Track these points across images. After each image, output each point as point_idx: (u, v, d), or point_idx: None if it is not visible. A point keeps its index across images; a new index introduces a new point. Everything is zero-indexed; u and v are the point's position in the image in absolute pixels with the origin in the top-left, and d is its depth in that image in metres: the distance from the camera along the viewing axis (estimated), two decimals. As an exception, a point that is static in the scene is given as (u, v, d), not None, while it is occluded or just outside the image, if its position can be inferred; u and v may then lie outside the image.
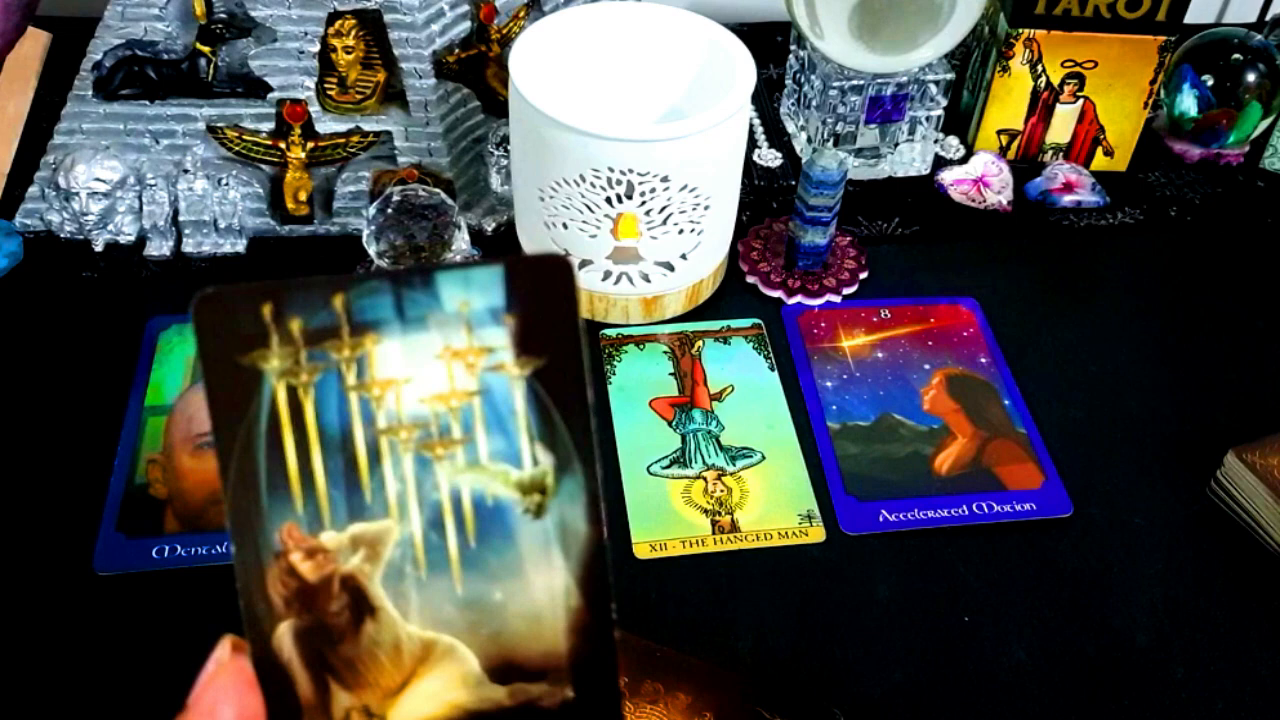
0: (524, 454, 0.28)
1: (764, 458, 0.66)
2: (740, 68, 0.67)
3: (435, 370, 0.28)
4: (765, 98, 0.93)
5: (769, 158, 0.87)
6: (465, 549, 0.28)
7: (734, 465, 0.65)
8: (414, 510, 0.28)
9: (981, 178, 0.85)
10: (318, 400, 0.28)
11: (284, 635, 0.28)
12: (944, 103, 0.84)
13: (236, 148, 0.76)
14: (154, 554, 0.59)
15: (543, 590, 0.28)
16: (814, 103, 0.84)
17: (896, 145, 0.85)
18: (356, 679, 0.28)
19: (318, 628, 0.28)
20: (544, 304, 0.28)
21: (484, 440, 0.28)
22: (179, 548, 0.59)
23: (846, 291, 0.76)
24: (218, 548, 0.59)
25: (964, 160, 0.87)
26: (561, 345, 0.28)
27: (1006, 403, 0.70)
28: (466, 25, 0.77)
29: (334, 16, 0.73)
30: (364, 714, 0.28)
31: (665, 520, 0.62)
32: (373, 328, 0.28)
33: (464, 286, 0.28)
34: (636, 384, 0.70)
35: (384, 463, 0.28)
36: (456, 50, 0.77)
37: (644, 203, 0.66)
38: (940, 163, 0.87)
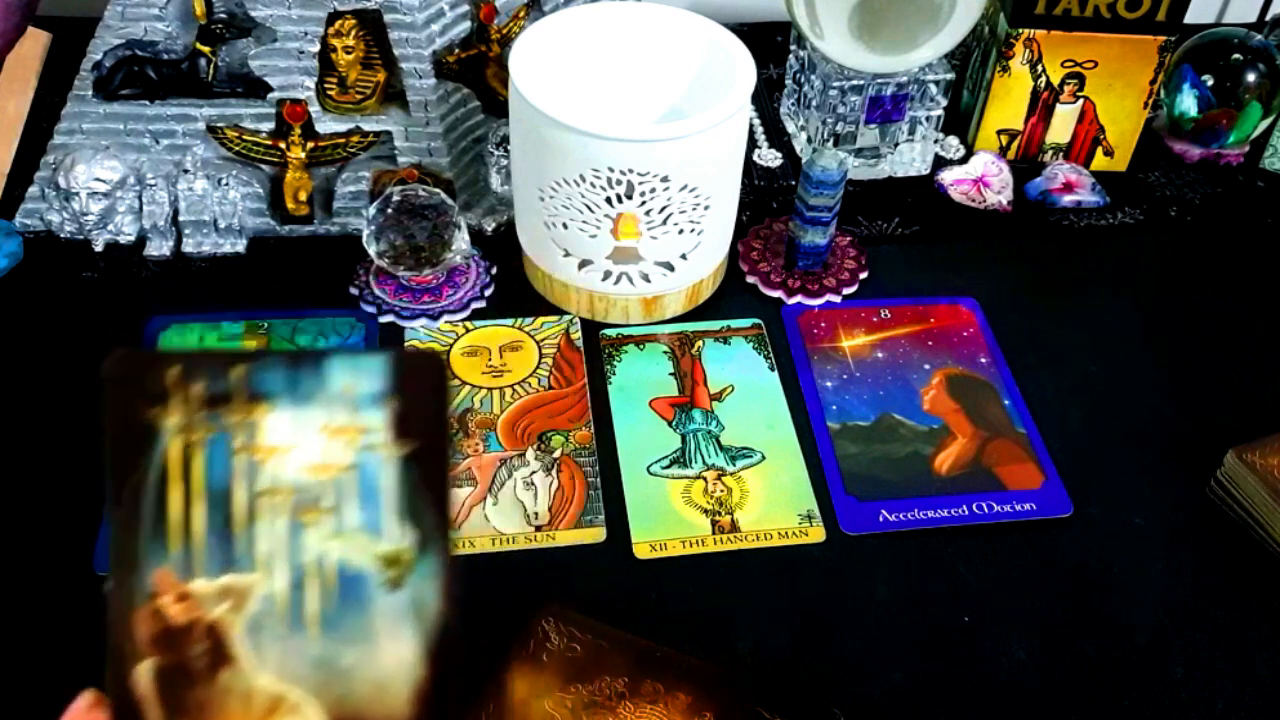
0: (388, 528, 0.30)
1: (764, 458, 0.66)
2: (740, 68, 0.67)
3: (317, 443, 0.31)
4: (765, 98, 0.93)
5: (769, 158, 0.87)
6: (324, 610, 0.30)
7: (734, 465, 0.65)
8: (281, 568, 0.30)
9: (981, 178, 0.85)
10: (207, 458, 0.31)
11: (144, 672, 0.30)
12: (944, 103, 0.84)
13: (236, 148, 0.76)
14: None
15: (392, 658, 0.30)
16: (814, 103, 0.84)
17: (896, 145, 0.85)
18: (207, 718, 0.30)
19: (177, 669, 0.30)
20: (420, 395, 0.31)
21: (352, 511, 0.30)
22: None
23: (846, 291, 0.76)
24: (217, 547, 0.59)
25: (964, 160, 0.87)
26: (432, 433, 0.31)
27: (1006, 403, 0.70)
28: (466, 25, 0.77)
29: (334, 16, 0.73)
30: None
31: (665, 520, 0.62)
32: (266, 399, 0.31)
33: (352, 371, 0.31)
34: (636, 384, 0.70)
35: (259, 521, 0.30)
36: (456, 50, 0.77)
37: (644, 203, 0.66)
38: (940, 163, 0.87)
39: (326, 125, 0.75)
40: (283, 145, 0.76)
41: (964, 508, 0.64)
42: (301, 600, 0.30)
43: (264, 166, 0.77)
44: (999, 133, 0.88)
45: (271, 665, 0.29)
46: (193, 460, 0.30)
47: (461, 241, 0.71)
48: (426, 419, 0.31)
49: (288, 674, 0.29)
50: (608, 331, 0.73)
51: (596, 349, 0.72)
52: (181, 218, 0.75)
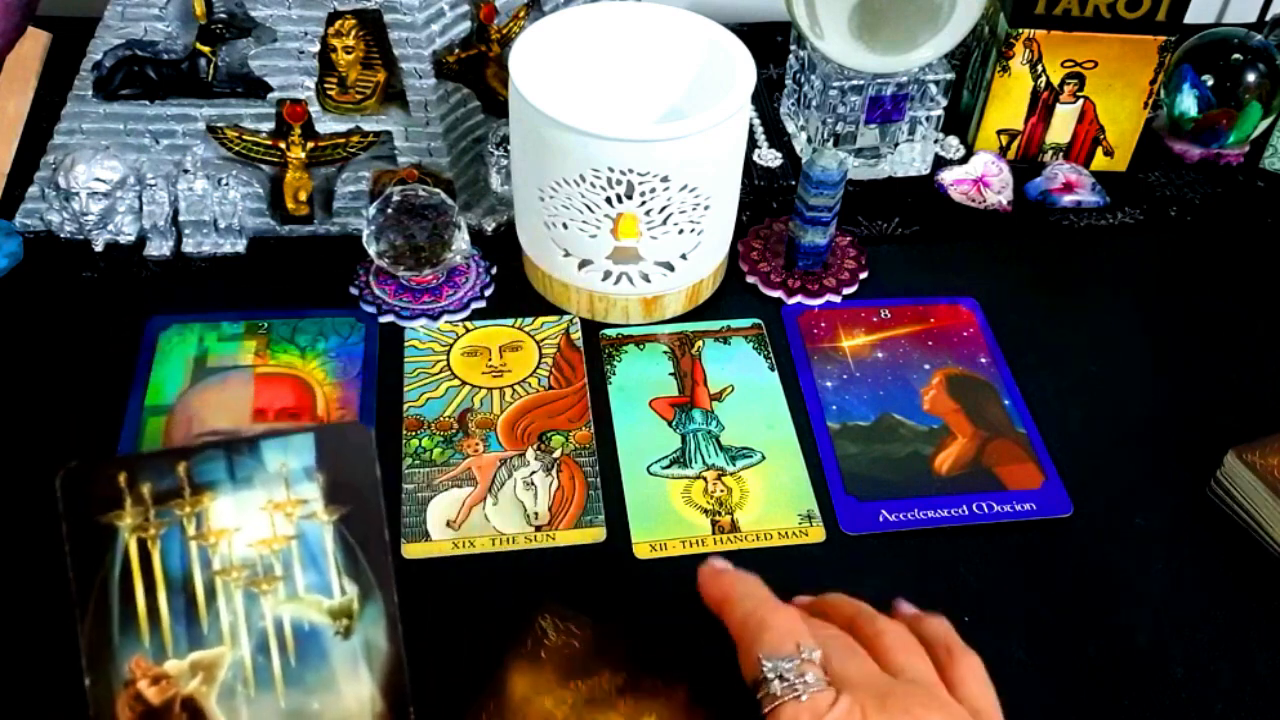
0: (334, 585, 0.34)
1: (764, 458, 0.66)
2: (740, 68, 0.67)
3: (260, 520, 0.34)
4: (765, 98, 0.93)
5: (769, 158, 0.87)
6: (287, 668, 0.33)
7: (734, 465, 0.65)
8: (244, 637, 0.33)
9: (981, 178, 0.85)
10: (163, 549, 0.33)
11: None
12: (944, 103, 0.84)
13: (236, 148, 0.76)
14: (154, 554, 0.59)
15: (353, 699, 0.34)
16: (814, 103, 0.84)
17: (896, 145, 0.85)
18: None
19: None
20: (348, 463, 0.34)
21: (300, 576, 0.34)
22: (179, 547, 0.59)
23: (846, 291, 0.76)
24: (217, 547, 0.59)
25: (964, 160, 0.87)
26: (362, 495, 0.35)
27: (1006, 403, 0.70)
28: (466, 25, 0.77)
29: (334, 16, 0.73)
30: None
31: (665, 520, 0.62)
32: (209, 488, 0.34)
33: (283, 451, 0.34)
34: (636, 384, 0.70)
35: (218, 599, 0.33)
36: (456, 50, 0.77)
37: (644, 203, 0.66)
38: (940, 163, 0.87)
39: (326, 125, 0.75)
40: (283, 145, 0.76)
41: (964, 508, 0.64)
42: (267, 662, 0.33)
43: (264, 166, 0.77)
44: (999, 133, 0.88)
45: (249, 718, 0.32)
46: (151, 553, 0.34)
47: (461, 241, 0.71)
48: (357, 482, 0.35)
49: None
50: (608, 331, 0.73)
51: (596, 349, 0.72)
52: (181, 218, 0.75)
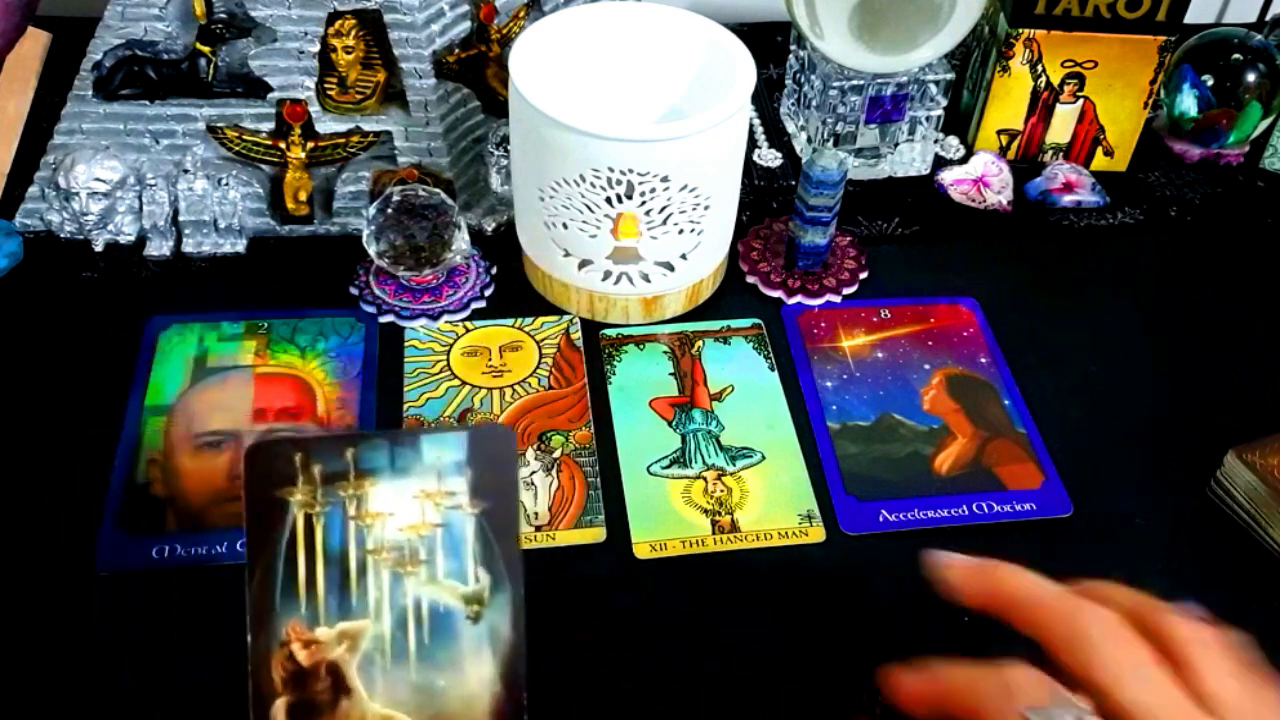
0: (470, 573, 0.37)
1: (764, 458, 0.66)
2: (740, 68, 0.67)
3: (412, 507, 0.37)
4: (765, 98, 0.93)
5: (769, 158, 0.87)
6: (421, 645, 0.36)
7: (734, 465, 0.65)
8: (386, 613, 0.36)
9: (981, 178, 0.85)
10: (326, 526, 0.37)
11: (280, 709, 0.35)
12: (944, 103, 0.84)
13: (236, 148, 0.76)
14: (154, 553, 0.59)
15: (475, 680, 0.37)
16: (814, 103, 0.84)
17: (896, 145, 0.85)
18: None
19: (306, 704, 0.35)
20: (492, 462, 0.38)
21: (441, 561, 0.37)
22: (179, 547, 0.59)
23: (846, 291, 0.76)
24: (217, 547, 0.59)
25: (964, 160, 0.87)
26: (503, 492, 0.38)
27: (1006, 403, 0.70)
28: (466, 25, 0.77)
29: (334, 16, 0.73)
30: None
31: (665, 520, 0.62)
32: (371, 474, 0.37)
33: (439, 446, 0.38)
34: (636, 384, 0.70)
35: (368, 576, 0.37)
36: (456, 50, 0.77)
37: (644, 203, 0.66)
38: (940, 163, 0.87)
39: (326, 125, 0.75)
40: (283, 145, 0.76)
41: (964, 508, 0.64)
42: (404, 638, 0.36)
43: (264, 166, 0.77)
44: (999, 133, 0.88)
45: (379, 694, 0.36)
46: (315, 528, 0.37)
47: (461, 241, 0.71)
48: (499, 480, 0.38)
49: (392, 700, 0.36)
50: (608, 331, 0.73)
51: (596, 349, 0.72)
52: (181, 218, 0.75)
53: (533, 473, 0.64)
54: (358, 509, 0.37)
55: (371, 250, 0.70)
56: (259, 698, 0.36)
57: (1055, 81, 0.84)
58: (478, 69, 0.79)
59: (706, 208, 0.68)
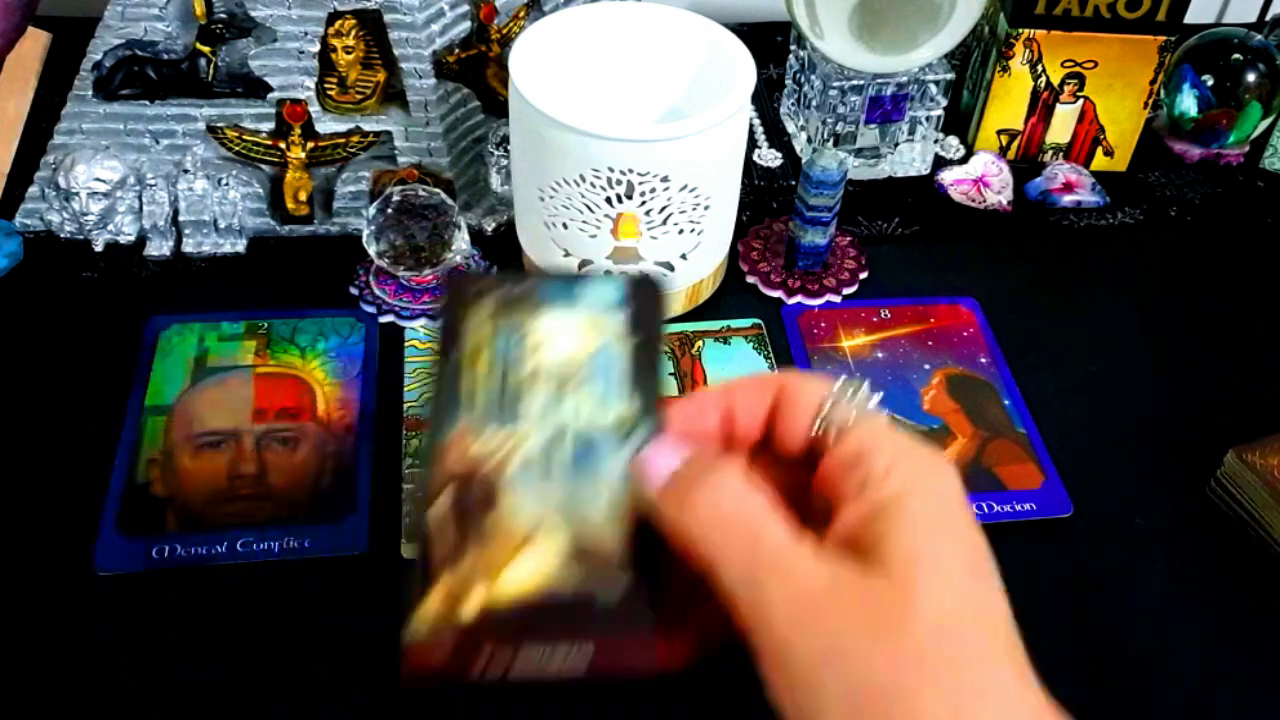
0: (621, 398, 0.39)
1: (764, 458, 0.66)
2: (740, 68, 0.67)
3: (577, 333, 0.40)
4: (765, 98, 0.93)
5: (769, 158, 0.87)
6: (573, 459, 0.38)
7: (734, 465, 0.65)
8: (545, 426, 0.38)
9: (981, 178, 0.85)
10: (500, 342, 0.40)
11: (445, 497, 0.37)
12: (944, 103, 0.84)
13: (236, 148, 0.76)
14: (154, 553, 0.59)
15: (616, 503, 0.37)
16: (814, 103, 0.84)
17: (896, 145, 0.85)
18: (482, 542, 0.36)
19: (467, 498, 0.37)
20: (645, 304, 0.42)
21: (599, 384, 0.39)
22: (179, 547, 0.59)
23: (846, 291, 0.76)
24: (217, 547, 0.59)
25: (964, 160, 0.87)
26: (651, 331, 0.41)
27: (1006, 403, 0.70)
28: (466, 25, 0.77)
29: (334, 16, 0.73)
30: (480, 572, 0.36)
31: (665, 520, 0.62)
32: (545, 303, 0.41)
33: (603, 286, 0.42)
34: (636, 384, 0.70)
35: (533, 390, 0.39)
36: (456, 50, 0.77)
37: (644, 203, 0.66)
38: (940, 163, 0.87)
39: (326, 125, 0.75)
40: (283, 145, 0.76)
41: (964, 508, 0.64)
42: (558, 451, 0.38)
43: (264, 166, 0.77)
44: (999, 133, 0.88)
45: (531, 500, 0.37)
46: (494, 342, 0.40)
47: (461, 241, 0.71)
48: (649, 321, 0.41)
49: (541, 507, 0.37)
50: (608, 331, 0.73)
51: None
52: (181, 218, 0.75)
53: (533, 472, 0.64)
54: (529, 332, 0.41)
55: (371, 250, 0.70)
56: (429, 486, 0.38)
57: (1055, 81, 0.84)
58: (478, 69, 0.79)
59: (706, 208, 0.68)
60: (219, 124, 0.75)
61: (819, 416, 0.38)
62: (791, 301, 0.75)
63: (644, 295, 0.42)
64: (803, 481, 0.38)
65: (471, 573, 0.36)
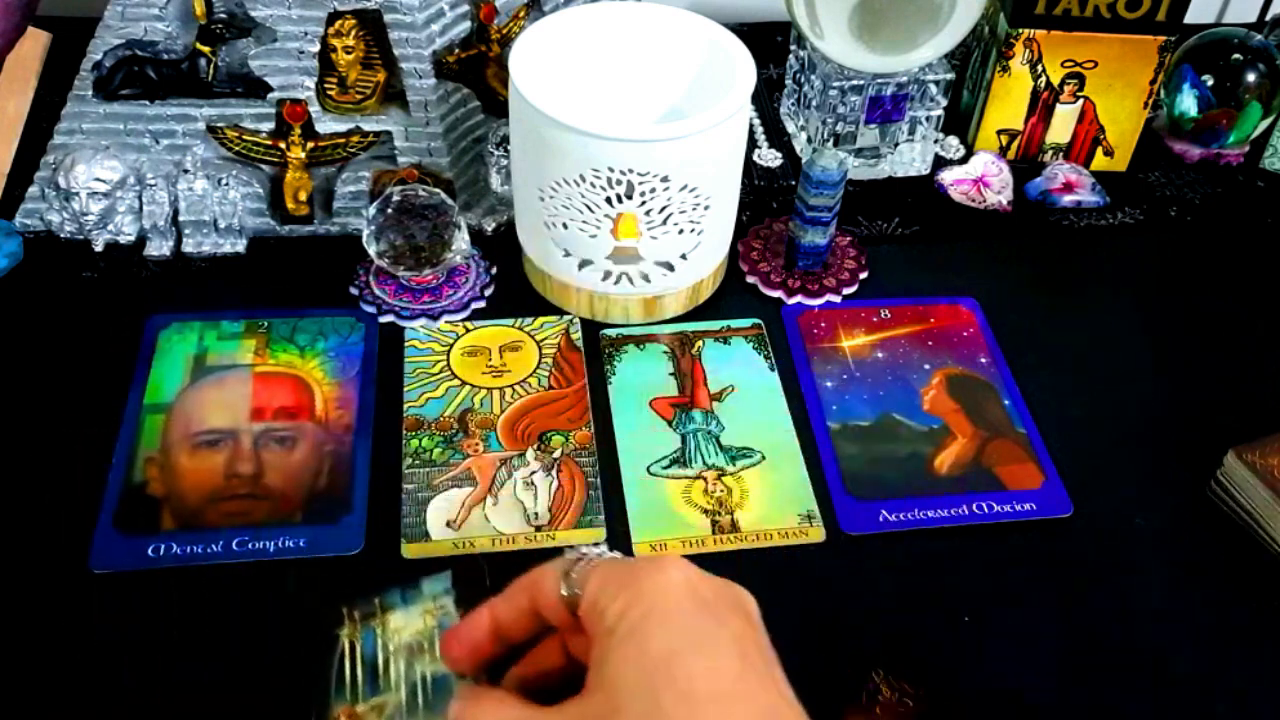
0: None
1: (764, 458, 0.66)
2: (740, 68, 0.67)
3: (418, 621, 0.55)
4: (765, 98, 0.93)
5: (769, 158, 0.87)
6: (427, 702, 0.52)
7: (734, 465, 0.65)
8: (403, 686, 0.53)
9: (981, 178, 0.85)
10: (363, 643, 0.55)
11: None
12: (944, 103, 0.84)
13: (236, 148, 0.76)
14: (150, 552, 0.58)
15: None
16: (814, 103, 0.84)
17: (896, 145, 0.85)
18: None
19: None
20: (469, 585, 0.56)
21: (437, 651, 0.53)
22: (175, 546, 0.59)
23: (846, 291, 0.76)
24: (213, 547, 0.59)
25: (964, 160, 0.87)
26: (478, 597, 0.49)
27: (1006, 403, 0.70)
28: (466, 25, 0.77)
29: (334, 16, 0.73)
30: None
31: (665, 520, 0.62)
32: (389, 608, 0.56)
33: (432, 583, 0.56)
34: (636, 384, 0.70)
35: (391, 666, 0.54)
36: (456, 50, 0.77)
37: (644, 203, 0.66)
38: (940, 163, 0.87)
39: (326, 125, 0.75)
40: (283, 145, 0.76)
41: (964, 508, 0.64)
42: (416, 701, 0.52)
43: (264, 166, 0.77)
44: (999, 133, 0.88)
45: None
46: (356, 648, 0.55)
47: (461, 241, 0.71)
48: (473, 592, 0.53)
49: None
50: (608, 331, 0.73)
51: (596, 349, 0.72)
52: (181, 218, 0.75)
53: (533, 473, 0.64)
54: (383, 630, 0.55)
55: (371, 250, 0.70)
56: None
57: (1055, 81, 0.84)
58: (478, 69, 0.79)
59: (706, 208, 0.68)
60: (219, 124, 0.75)
61: (560, 587, 0.44)
62: (791, 301, 0.75)
63: (468, 578, 0.56)
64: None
65: None
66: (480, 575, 0.56)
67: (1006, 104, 0.86)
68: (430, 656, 0.54)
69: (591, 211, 0.66)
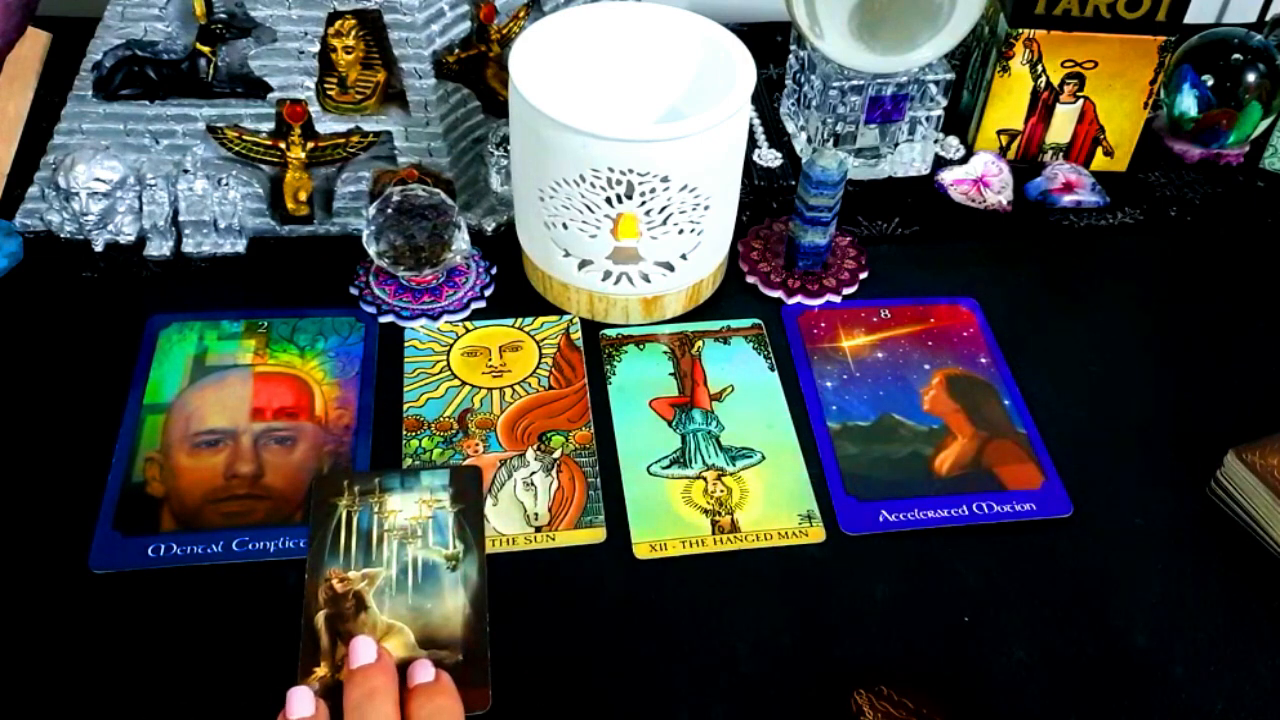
0: (450, 542, 0.60)
1: (764, 458, 0.66)
2: (740, 68, 0.67)
3: (414, 507, 0.61)
4: (765, 98, 0.93)
5: (769, 158, 0.87)
6: (415, 583, 0.58)
7: (734, 465, 0.65)
8: (394, 564, 0.58)
9: (981, 178, 0.85)
10: (359, 517, 0.60)
11: (321, 616, 0.56)
12: (944, 103, 0.84)
13: (236, 148, 0.76)
14: (150, 552, 0.58)
15: (452, 604, 0.57)
16: (814, 103, 0.84)
17: (896, 145, 0.85)
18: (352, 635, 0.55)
19: (337, 614, 0.56)
20: (464, 485, 0.62)
21: (431, 535, 0.60)
22: (175, 546, 0.59)
23: (846, 291, 0.76)
24: (213, 547, 0.59)
25: (964, 160, 0.87)
26: (472, 500, 0.62)
27: (1006, 403, 0.70)
28: (466, 25, 0.77)
29: (334, 16, 0.73)
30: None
31: (665, 520, 0.62)
32: (389, 490, 0.61)
33: (431, 475, 0.62)
34: (636, 384, 0.70)
35: (384, 544, 0.59)
36: (456, 50, 0.77)
37: (644, 203, 0.66)
38: (940, 163, 0.87)
39: (326, 125, 0.75)
40: (283, 145, 0.76)
41: (964, 508, 0.64)
42: (405, 579, 0.58)
43: (264, 166, 0.77)
44: (999, 133, 0.88)
45: (386, 612, 0.56)
46: (353, 518, 0.60)
47: (461, 241, 0.71)
48: (468, 494, 0.62)
49: (396, 615, 0.56)
50: (608, 331, 0.73)
51: (596, 349, 0.72)
52: (181, 218, 0.75)
53: (533, 473, 0.64)
54: (380, 508, 0.61)
55: (371, 250, 0.70)
56: (308, 607, 0.56)
57: (1055, 81, 0.84)
58: (478, 69, 0.79)
59: (706, 208, 0.68)
60: (219, 124, 0.75)
61: None
62: (791, 301, 0.75)
63: (465, 478, 0.62)
64: None
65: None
66: (476, 479, 0.62)
67: (1006, 104, 0.86)
68: (422, 543, 0.59)
69: (591, 212, 0.66)
